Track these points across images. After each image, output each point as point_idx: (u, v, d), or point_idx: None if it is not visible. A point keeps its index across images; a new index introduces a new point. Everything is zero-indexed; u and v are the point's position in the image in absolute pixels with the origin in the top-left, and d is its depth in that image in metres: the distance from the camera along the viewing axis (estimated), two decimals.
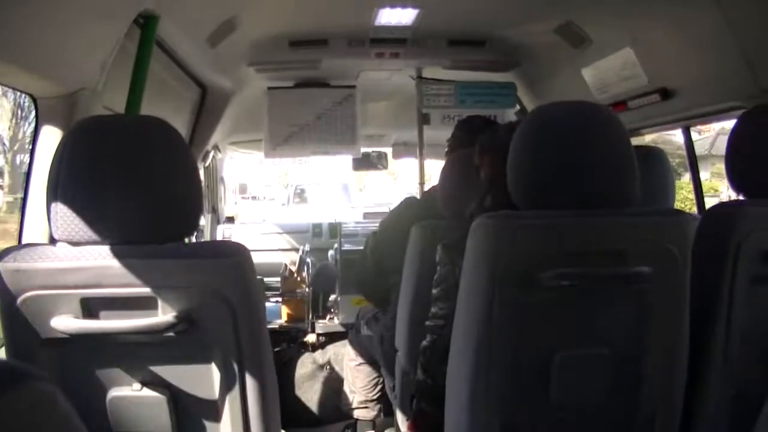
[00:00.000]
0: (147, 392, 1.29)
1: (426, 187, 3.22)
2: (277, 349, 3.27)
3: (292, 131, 3.68)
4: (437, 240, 1.76)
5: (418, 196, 3.19)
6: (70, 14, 1.50)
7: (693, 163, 2.84)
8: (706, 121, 2.82)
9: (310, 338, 3.39)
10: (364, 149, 4.05)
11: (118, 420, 1.30)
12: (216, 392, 1.31)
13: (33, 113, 1.67)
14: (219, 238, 4.12)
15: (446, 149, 2.68)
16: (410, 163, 5.12)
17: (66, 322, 1.23)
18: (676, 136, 2.88)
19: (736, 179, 1.59)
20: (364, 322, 2.80)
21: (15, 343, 1.25)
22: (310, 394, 3.36)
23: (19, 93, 1.75)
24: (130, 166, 1.23)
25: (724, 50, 2.07)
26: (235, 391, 1.30)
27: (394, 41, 3.09)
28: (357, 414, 3.09)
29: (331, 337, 3.40)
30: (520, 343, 1.39)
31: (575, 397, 1.45)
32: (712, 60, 2.19)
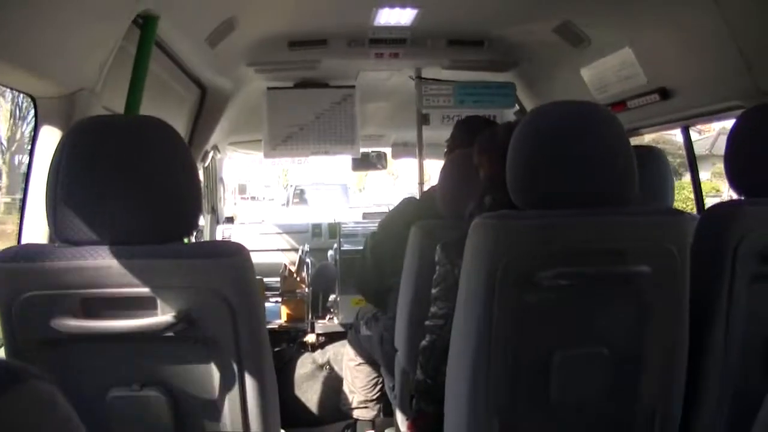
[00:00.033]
0: (146, 392, 1.29)
1: (426, 187, 3.22)
2: (276, 349, 3.27)
3: (291, 131, 3.68)
4: (436, 240, 1.76)
5: (418, 196, 3.19)
6: (69, 14, 1.50)
7: (692, 162, 2.85)
8: (706, 120, 2.82)
9: (310, 338, 3.38)
10: (363, 149, 4.05)
11: (118, 420, 1.30)
12: (216, 392, 1.31)
13: (31, 113, 1.67)
14: (218, 238, 4.12)
15: (445, 149, 2.68)
16: (410, 163, 5.12)
17: (66, 322, 1.23)
18: (677, 135, 2.87)
19: (735, 179, 1.59)
20: (364, 322, 2.80)
21: (15, 343, 1.25)
22: (309, 394, 3.36)
23: (17, 93, 1.75)
24: (130, 167, 1.23)
25: (723, 50, 2.07)
26: (235, 391, 1.30)
27: (393, 41, 3.09)
28: (356, 414, 3.08)
29: (331, 337, 3.40)
30: (520, 343, 1.39)
31: (575, 397, 1.45)
32: (711, 60, 2.19)
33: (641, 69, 2.54)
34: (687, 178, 2.81)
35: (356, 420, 3.11)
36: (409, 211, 2.53)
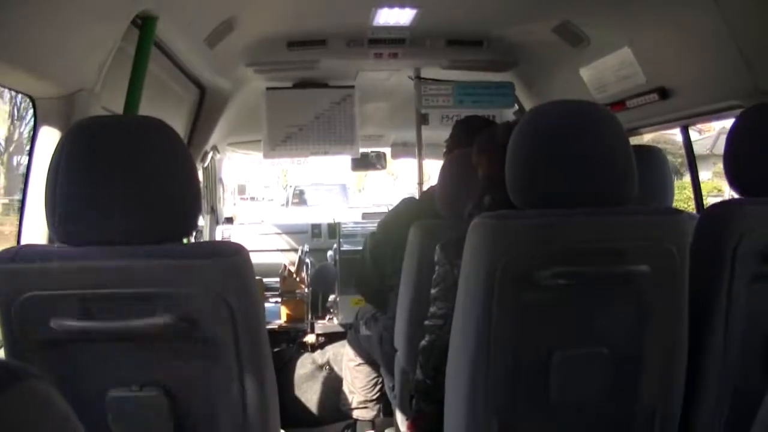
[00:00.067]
0: (146, 393, 1.29)
1: (425, 187, 3.23)
2: (276, 350, 3.27)
3: (290, 132, 3.68)
4: (436, 240, 1.76)
5: (417, 196, 3.19)
6: (68, 15, 1.50)
7: (691, 161, 2.85)
8: (705, 120, 2.82)
9: (310, 338, 3.38)
10: (362, 149, 4.05)
11: (117, 421, 1.29)
12: (215, 393, 1.31)
13: (29, 113, 1.67)
14: (218, 238, 4.12)
15: (444, 149, 2.68)
16: (410, 163, 5.13)
17: (65, 323, 1.23)
18: (677, 135, 2.87)
19: (734, 178, 1.59)
20: (363, 322, 2.80)
21: (14, 343, 1.25)
22: (309, 394, 3.36)
23: (15, 93, 1.75)
24: (129, 167, 1.23)
25: (722, 49, 2.07)
26: (235, 392, 1.29)
27: (392, 41, 3.09)
28: (356, 414, 3.09)
29: (331, 338, 3.40)
30: (519, 343, 1.39)
31: (574, 397, 1.45)
32: (711, 59, 2.19)
33: (640, 68, 2.54)
34: (689, 177, 2.80)
35: (356, 420, 3.11)
36: (408, 211, 2.53)
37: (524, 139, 1.42)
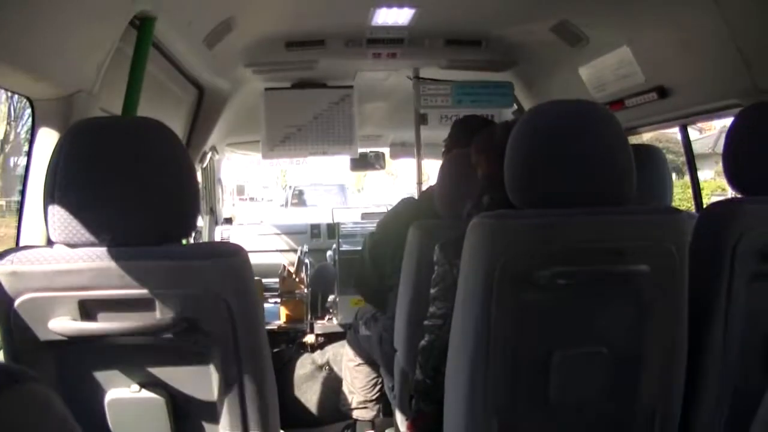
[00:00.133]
0: (145, 394, 1.29)
1: (424, 187, 3.23)
2: (276, 350, 3.27)
3: (289, 132, 3.68)
4: (435, 240, 1.76)
5: (416, 196, 3.19)
6: (66, 16, 1.50)
7: (690, 160, 2.85)
8: (704, 119, 2.82)
9: (309, 339, 3.38)
10: (361, 149, 4.05)
11: (117, 422, 1.29)
12: (215, 393, 1.31)
13: (25, 114, 1.67)
14: (217, 239, 4.12)
15: (443, 149, 2.68)
16: (409, 163, 5.13)
17: (64, 324, 1.22)
18: (678, 133, 2.88)
19: (733, 177, 1.59)
20: (363, 322, 2.80)
21: (13, 345, 1.25)
22: (309, 394, 3.36)
23: (11, 94, 1.74)
24: (128, 168, 1.23)
25: (721, 48, 2.07)
26: (234, 392, 1.29)
27: (390, 41, 3.09)
28: (356, 414, 3.09)
29: (330, 338, 3.40)
30: (519, 342, 1.39)
31: (574, 396, 1.45)
32: (710, 58, 2.19)
33: (639, 68, 2.54)
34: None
35: (356, 420, 3.11)
36: (407, 211, 2.53)
37: (523, 138, 1.42)
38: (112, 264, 1.22)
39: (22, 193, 1.67)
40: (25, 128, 1.67)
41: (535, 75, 3.37)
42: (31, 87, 1.59)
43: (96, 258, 1.22)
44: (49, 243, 1.28)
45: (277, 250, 4.21)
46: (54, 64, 1.55)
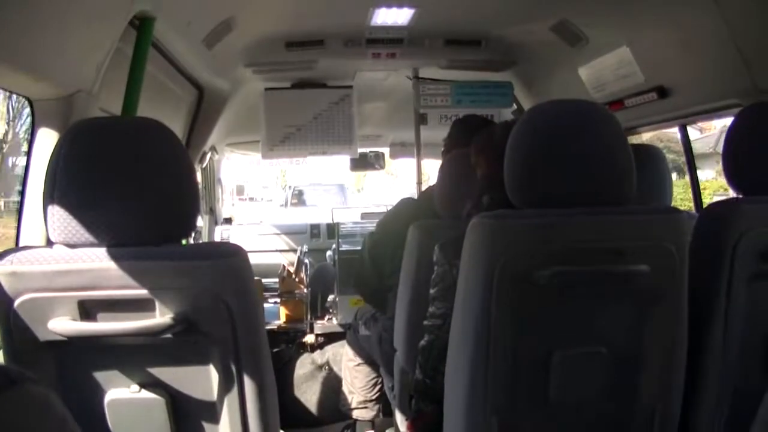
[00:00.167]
0: (145, 394, 1.29)
1: (424, 187, 3.23)
2: (275, 350, 3.27)
3: (289, 132, 3.68)
4: (434, 240, 1.76)
5: (416, 196, 3.19)
6: (66, 16, 1.50)
7: (690, 160, 2.85)
8: (704, 119, 2.82)
9: (309, 339, 3.38)
10: (361, 149, 4.05)
11: (117, 422, 1.29)
12: (214, 394, 1.31)
13: (24, 114, 1.67)
14: (217, 239, 4.12)
15: (443, 149, 2.68)
16: (409, 163, 5.13)
17: (63, 325, 1.22)
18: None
19: (733, 177, 1.59)
20: (363, 322, 2.80)
21: (12, 345, 1.25)
22: (309, 394, 3.36)
23: (9, 94, 1.74)
24: (127, 168, 1.23)
25: (721, 48, 2.07)
26: (234, 393, 1.29)
27: (390, 41, 3.09)
28: (356, 414, 3.09)
29: (330, 338, 3.40)
30: (519, 342, 1.39)
31: (574, 396, 1.45)
32: (709, 58, 2.19)
33: (638, 67, 2.54)
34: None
35: (355, 420, 3.11)
36: (406, 211, 2.53)
37: (523, 138, 1.42)
38: (112, 264, 1.21)
39: (22, 193, 1.67)
40: (24, 128, 1.67)
41: (534, 75, 3.37)
42: (31, 87, 1.59)
43: (96, 258, 1.22)
44: (49, 243, 1.28)
45: (276, 250, 4.21)
46: (54, 64, 1.55)
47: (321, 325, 3.39)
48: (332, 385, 3.32)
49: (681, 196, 6.53)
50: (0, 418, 0.51)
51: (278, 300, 3.46)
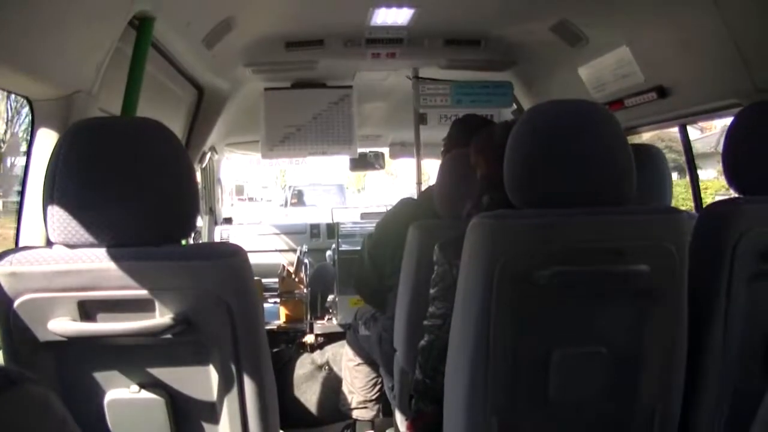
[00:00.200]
0: (145, 394, 1.29)
1: (424, 187, 3.23)
2: (275, 350, 3.27)
3: (288, 132, 3.68)
4: (434, 240, 1.76)
5: (416, 196, 3.19)
6: (65, 16, 1.50)
7: (690, 160, 2.85)
8: (704, 118, 2.82)
9: (309, 339, 3.38)
10: (361, 149, 4.05)
11: (116, 422, 1.29)
12: (214, 394, 1.31)
13: (22, 113, 1.66)
14: (216, 239, 4.12)
15: (442, 149, 2.68)
16: (409, 163, 5.14)
17: (63, 325, 1.22)
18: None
19: (733, 177, 1.59)
20: (362, 322, 2.80)
21: (12, 346, 1.25)
22: (308, 394, 3.36)
23: (8, 93, 1.74)
24: (127, 168, 1.23)
25: (721, 48, 2.07)
26: (234, 393, 1.29)
27: (390, 41, 3.09)
28: (356, 414, 3.09)
29: (330, 338, 3.40)
30: (519, 342, 1.39)
31: (574, 396, 1.45)
32: (709, 58, 2.19)
33: (638, 67, 2.54)
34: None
35: (355, 420, 3.11)
36: (406, 211, 2.53)
37: (523, 138, 1.42)
38: (112, 265, 1.21)
39: (21, 193, 1.66)
40: (22, 127, 1.66)
41: (534, 75, 3.37)
42: (30, 87, 1.58)
43: (95, 259, 1.22)
44: (49, 244, 1.28)
45: (276, 250, 4.21)
46: (53, 64, 1.55)
47: (321, 325, 3.39)
48: (332, 385, 3.32)
49: (683, 196, 6.53)
50: (0, 418, 0.51)
51: (278, 300, 3.46)
